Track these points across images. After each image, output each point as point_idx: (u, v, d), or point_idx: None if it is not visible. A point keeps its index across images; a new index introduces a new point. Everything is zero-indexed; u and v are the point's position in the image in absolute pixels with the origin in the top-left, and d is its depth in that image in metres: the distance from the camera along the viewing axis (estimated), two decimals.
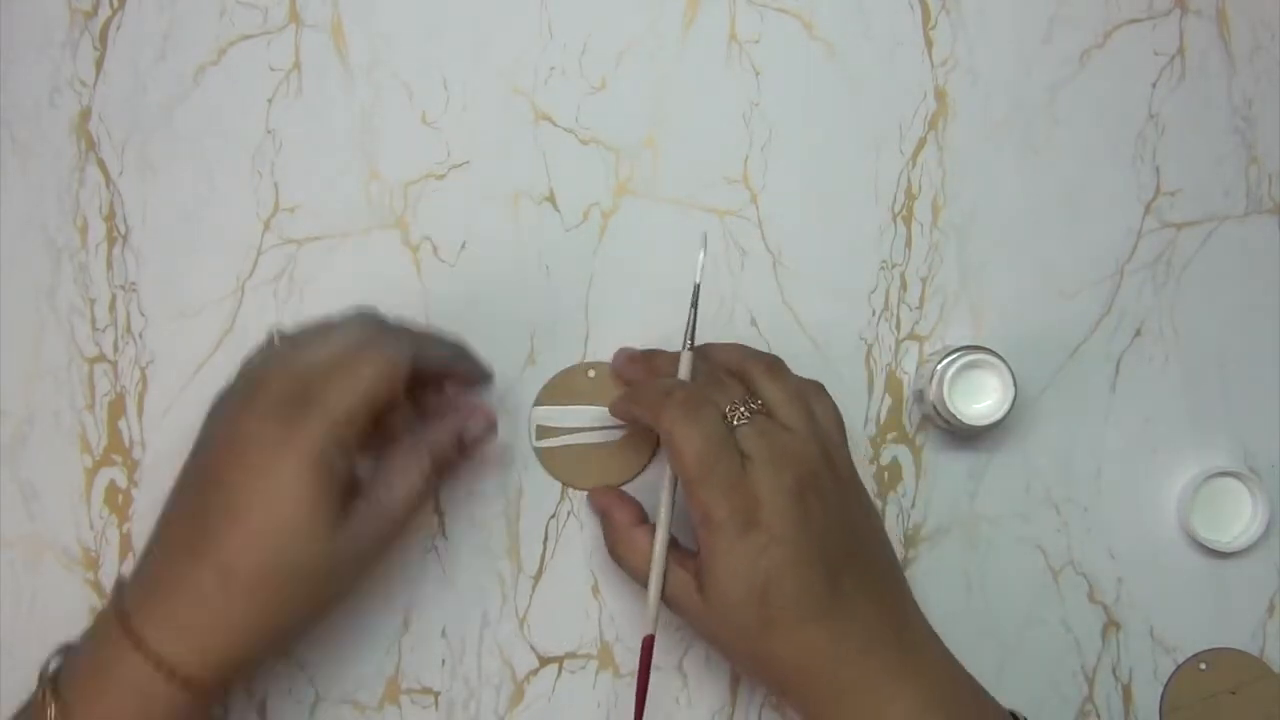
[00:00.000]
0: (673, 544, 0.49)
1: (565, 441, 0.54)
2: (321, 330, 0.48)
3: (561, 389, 0.54)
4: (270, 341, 0.49)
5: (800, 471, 0.46)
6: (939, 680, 0.47)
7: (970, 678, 0.48)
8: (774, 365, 0.50)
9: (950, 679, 0.47)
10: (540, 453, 0.54)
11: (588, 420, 0.54)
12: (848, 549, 0.47)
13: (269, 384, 0.45)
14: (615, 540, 0.51)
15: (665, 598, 0.48)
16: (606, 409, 0.53)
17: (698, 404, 0.47)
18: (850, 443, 0.55)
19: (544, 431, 0.54)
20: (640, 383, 0.52)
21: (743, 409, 0.47)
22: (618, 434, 0.54)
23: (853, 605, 0.46)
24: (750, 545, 0.45)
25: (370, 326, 0.48)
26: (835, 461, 0.48)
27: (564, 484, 0.54)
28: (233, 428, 0.45)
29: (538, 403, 0.54)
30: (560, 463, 0.54)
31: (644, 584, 0.49)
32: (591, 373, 0.55)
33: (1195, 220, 0.57)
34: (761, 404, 0.48)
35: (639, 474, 0.54)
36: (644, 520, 0.51)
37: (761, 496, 0.45)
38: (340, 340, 0.46)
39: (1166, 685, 0.55)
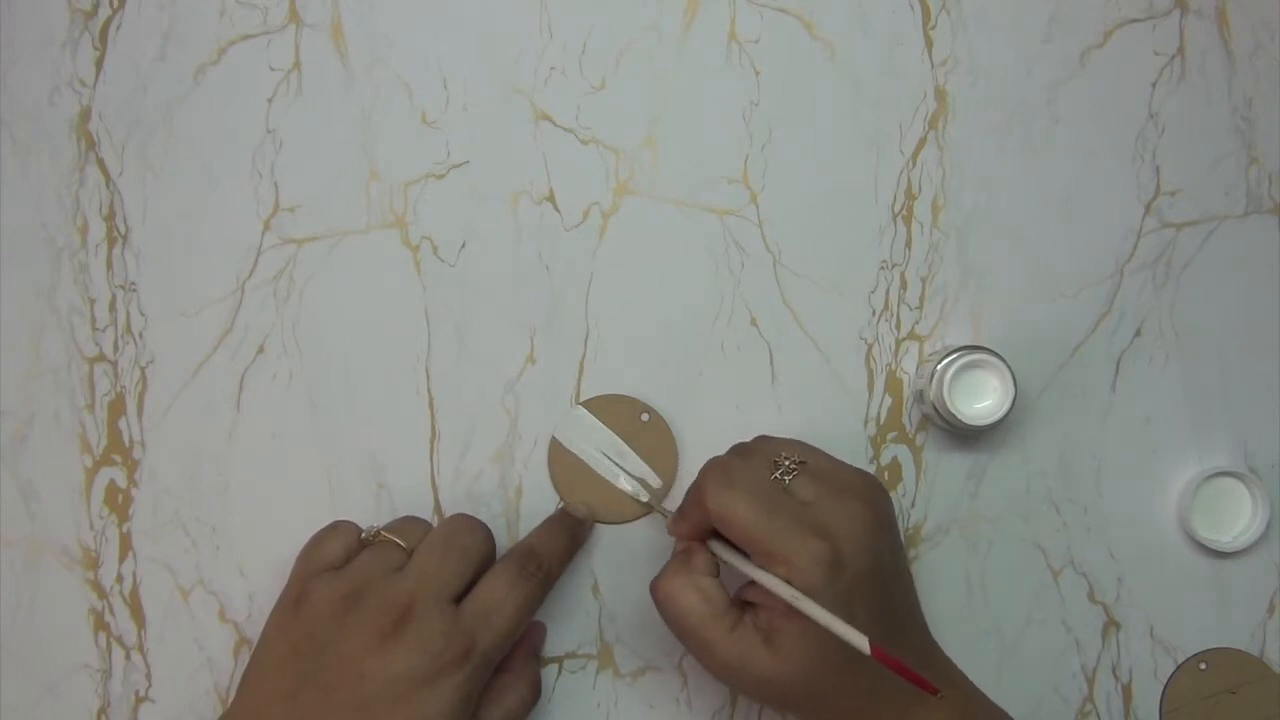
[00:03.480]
0: (730, 602, 0.47)
1: (580, 452, 0.54)
2: (446, 546, 0.48)
3: (610, 410, 0.54)
4: (374, 540, 0.50)
5: (867, 503, 0.46)
6: (976, 713, 0.48)
7: (1000, 709, 0.49)
8: (794, 440, 0.50)
9: (985, 711, 0.48)
10: (555, 444, 0.54)
11: (614, 454, 0.54)
12: (908, 582, 0.48)
13: (423, 618, 0.46)
14: (680, 582, 0.47)
15: (724, 656, 0.45)
16: (635, 453, 0.54)
17: (732, 471, 0.46)
18: (850, 443, 0.55)
19: (569, 433, 0.54)
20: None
21: (788, 463, 0.47)
22: (626, 481, 0.54)
23: (907, 641, 0.46)
24: (841, 584, 0.44)
25: (484, 537, 0.49)
26: (887, 497, 0.48)
27: (554, 484, 0.54)
28: (379, 658, 0.45)
29: (584, 403, 0.54)
30: (563, 466, 0.54)
31: (690, 629, 0.46)
32: (645, 416, 0.54)
33: (1195, 220, 0.57)
34: (800, 460, 0.48)
35: (619, 524, 0.54)
36: (717, 575, 0.48)
37: (837, 533, 0.45)
38: (470, 560, 0.48)
39: (1166, 685, 0.55)
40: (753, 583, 0.46)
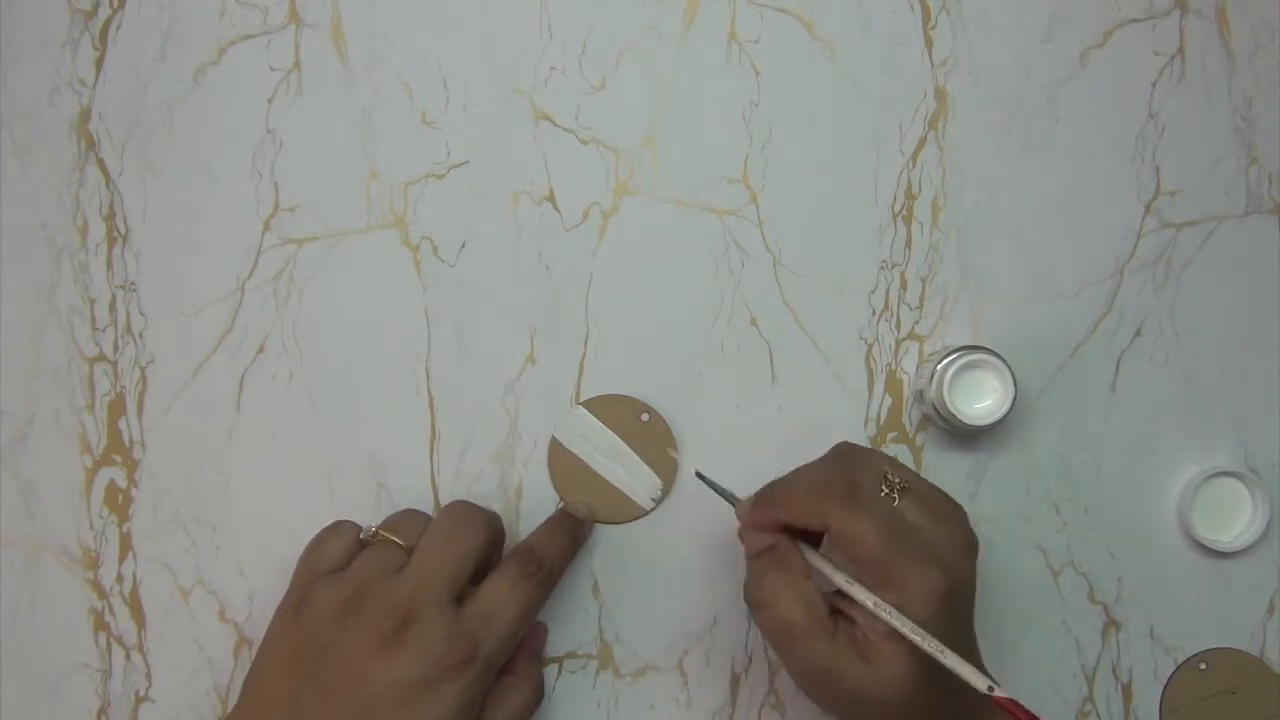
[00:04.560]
0: (822, 620, 0.45)
1: (580, 452, 0.54)
2: (446, 545, 0.48)
3: (610, 410, 0.54)
4: (373, 540, 0.49)
5: (964, 529, 0.46)
6: None
7: None
8: (886, 454, 0.49)
9: None
10: (555, 444, 0.54)
11: (614, 454, 0.54)
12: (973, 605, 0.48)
13: (425, 621, 0.46)
14: (780, 586, 0.45)
15: (820, 665, 0.44)
16: (635, 453, 0.54)
17: (860, 490, 0.45)
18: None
19: (569, 432, 0.54)
20: (773, 490, 0.48)
21: (897, 482, 0.46)
22: (626, 481, 0.54)
23: (975, 663, 0.46)
24: (954, 615, 0.44)
25: (484, 530, 0.49)
26: (968, 520, 0.48)
27: (554, 484, 0.54)
28: (382, 662, 0.45)
29: (584, 403, 0.54)
30: (563, 466, 0.54)
31: (786, 638, 0.45)
32: (645, 416, 0.54)
33: (1195, 220, 0.57)
34: (903, 481, 0.47)
35: (620, 524, 0.54)
36: (810, 576, 0.46)
37: (948, 561, 0.44)
38: (470, 558, 0.48)
39: (1166, 685, 0.55)
40: (840, 592, 0.45)
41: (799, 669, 0.46)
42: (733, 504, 0.50)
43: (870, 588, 0.44)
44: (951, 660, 0.42)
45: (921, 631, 0.43)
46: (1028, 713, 0.40)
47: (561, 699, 0.54)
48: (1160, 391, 0.56)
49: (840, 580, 0.45)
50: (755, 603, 0.46)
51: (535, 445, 0.55)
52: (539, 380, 0.55)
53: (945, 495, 0.48)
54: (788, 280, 0.56)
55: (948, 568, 0.44)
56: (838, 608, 0.46)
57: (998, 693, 0.41)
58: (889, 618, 0.43)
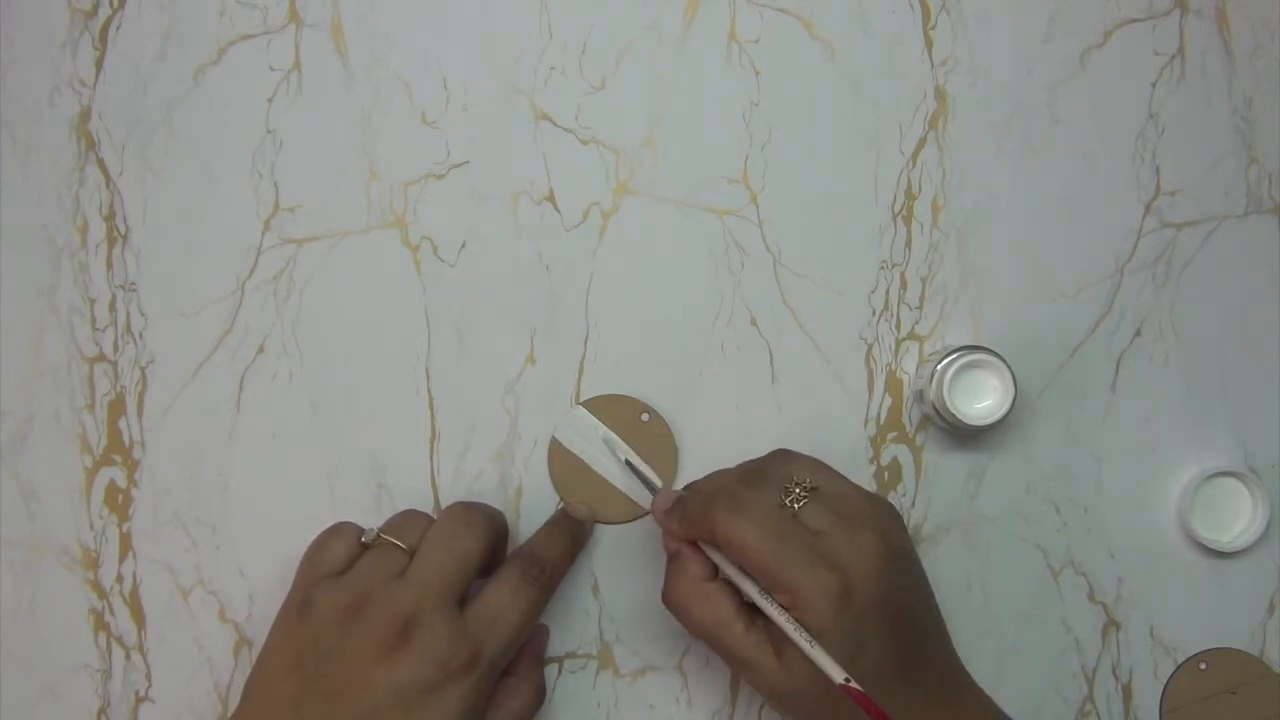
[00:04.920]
0: (739, 605, 0.47)
1: (580, 452, 0.54)
2: (446, 548, 0.48)
3: (610, 410, 0.54)
4: (375, 542, 0.49)
5: (879, 535, 0.46)
6: None
7: None
8: (810, 460, 0.50)
9: None
10: (555, 444, 0.54)
11: (615, 453, 0.54)
12: (929, 611, 0.48)
13: (428, 625, 0.46)
14: (686, 592, 0.48)
15: (739, 659, 0.46)
16: (635, 454, 0.54)
17: (739, 497, 0.46)
18: (850, 443, 0.55)
19: (569, 433, 0.54)
20: (680, 501, 0.50)
21: (798, 490, 0.47)
22: (626, 481, 0.54)
23: (925, 674, 0.46)
24: (848, 617, 0.44)
25: (485, 531, 0.49)
26: (901, 526, 0.48)
27: (554, 484, 0.54)
28: (386, 668, 0.45)
29: (584, 403, 0.54)
30: (563, 466, 0.54)
31: (706, 637, 0.47)
32: (645, 416, 0.54)
33: (1195, 220, 0.57)
34: (812, 485, 0.47)
35: (620, 524, 0.54)
36: (715, 575, 0.48)
37: (847, 564, 0.45)
38: (471, 562, 0.48)
39: (1166, 685, 0.55)
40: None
41: (727, 661, 0.47)
42: (653, 493, 0.52)
43: (762, 590, 0.45)
44: (816, 653, 0.43)
45: (792, 622, 0.44)
46: (876, 707, 0.41)
47: (561, 699, 0.54)
48: (1160, 391, 0.56)
49: (736, 578, 0.47)
50: (670, 605, 0.48)
51: (535, 445, 0.55)
52: (539, 380, 0.55)
53: (870, 502, 0.48)
54: (788, 280, 0.56)
55: (843, 569, 0.44)
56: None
57: (852, 684, 0.42)
58: (771, 610, 0.45)
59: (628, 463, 0.53)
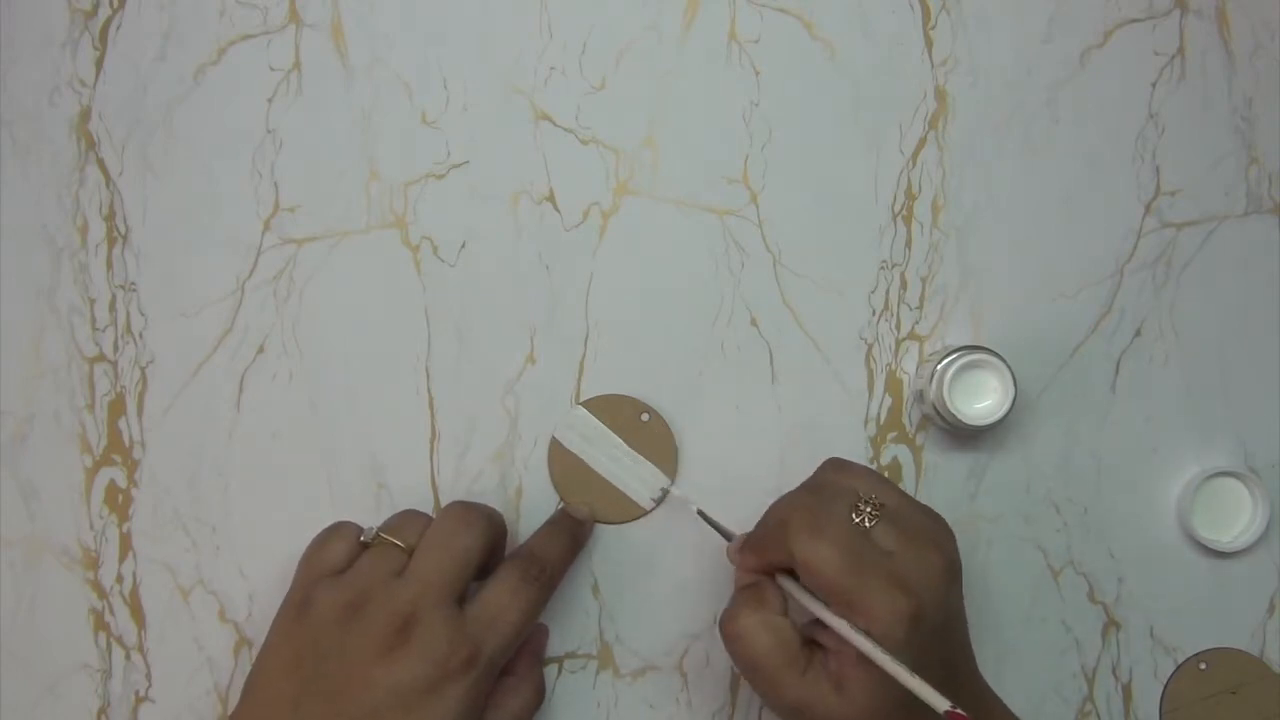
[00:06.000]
0: (803, 643, 0.46)
1: (580, 452, 0.54)
2: (445, 548, 0.48)
3: (609, 410, 0.54)
4: (374, 542, 0.49)
5: (942, 553, 0.46)
6: None
7: None
8: (869, 471, 0.49)
9: None
10: (555, 444, 0.54)
11: (615, 454, 0.54)
12: (963, 630, 0.47)
13: (427, 624, 0.46)
14: (754, 624, 0.46)
15: (793, 700, 0.44)
16: (635, 452, 0.54)
17: (820, 519, 0.45)
18: (850, 443, 0.55)
19: (569, 432, 0.54)
20: (753, 534, 0.49)
21: (868, 509, 0.46)
22: (626, 481, 0.54)
23: (960, 685, 0.46)
24: (918, 638, 0.43)
25: (484, 530, 0.49)
26: (954, 540, 0.48)
27: (553, 483, 0.54)
28: (385, 667, 0.45)
29: (584, 403, 0.54)
30: (563, 466, 0.54)
31: (761, 672, 0.45)
32: (645, 416, 0.54)
33: (1195, 220, 0.57)
34: (880, 501, 0.46)
35: (620, 524, 0.54)
36: (786, 612, 0.47)
37: (918, 586, 0.44)
38: (470, 560, 0.48)
39: (1166, 685, 0.55)
40: (820, 622, 0.45)
41: (773, 704, 0.46)
42: (729, 541, 0.52)
43: (839, 614, 0.44)
44: (915, 683, 0.42)
45: (880, 650, 0.43)
46: None
47: (561, 699, 0.54)
48: (1160, 391, 0.56)
49: (812, 605, 0.45)
50: (727, 635, 0.47)
51: (535, 445, 0.55)
52: (539, 380, 0.55)
53: (929, 517, 0.47)
54: (788, 280, 0.56)
55: (916, 591, 0.44)
56: (814, 638, 0.46)
57: (958, 710, 0.41)
58: (857, 638, 0.43)
59: (700, 513, 0.53)
